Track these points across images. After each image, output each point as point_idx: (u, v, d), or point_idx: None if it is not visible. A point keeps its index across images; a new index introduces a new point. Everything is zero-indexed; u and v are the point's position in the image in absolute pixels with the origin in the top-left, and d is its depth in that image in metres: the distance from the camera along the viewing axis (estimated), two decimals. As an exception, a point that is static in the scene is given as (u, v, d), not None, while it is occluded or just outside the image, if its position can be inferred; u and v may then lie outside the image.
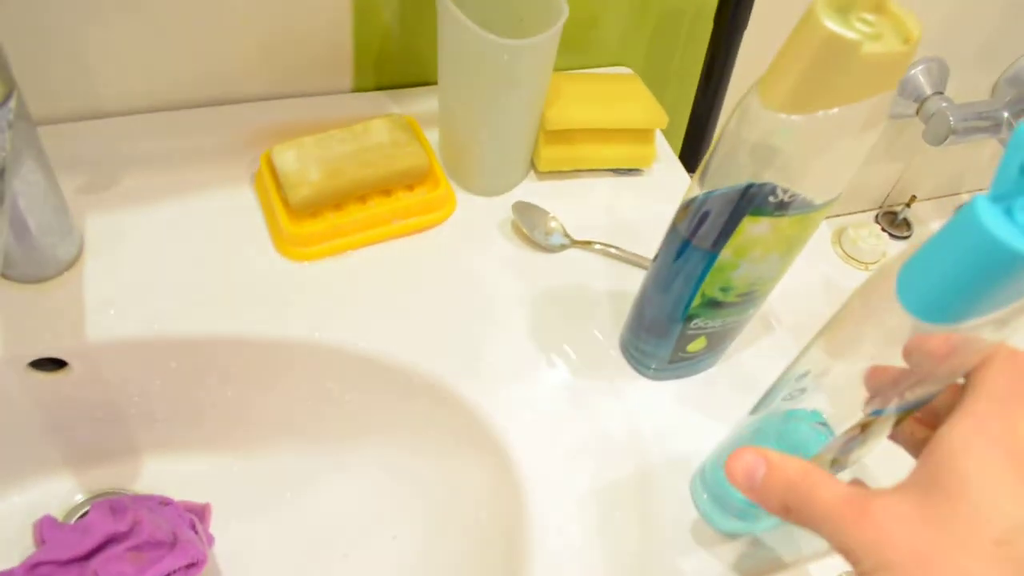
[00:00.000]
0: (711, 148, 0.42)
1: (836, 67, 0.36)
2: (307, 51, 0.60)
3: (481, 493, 0.52)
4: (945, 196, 1.08)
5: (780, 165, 0.40)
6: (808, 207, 0.41)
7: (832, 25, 0.35)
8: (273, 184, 0.56)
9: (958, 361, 0.34)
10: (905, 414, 0.38)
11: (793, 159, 0.39)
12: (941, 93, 0.85)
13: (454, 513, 0.54)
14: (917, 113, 0.87)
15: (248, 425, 0.58)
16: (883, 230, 1.02)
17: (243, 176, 0.59)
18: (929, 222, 1.06)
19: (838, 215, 1.03)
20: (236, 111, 0.61)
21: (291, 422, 0.58)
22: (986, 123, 0.84)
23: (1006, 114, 0.85)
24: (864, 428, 0.38)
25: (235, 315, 0.52)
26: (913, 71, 0.84)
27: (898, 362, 0.35)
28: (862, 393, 0.37)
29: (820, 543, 0.48)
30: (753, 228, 0.41)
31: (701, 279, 0.45)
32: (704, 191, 0.42)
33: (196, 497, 0.56)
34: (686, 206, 0.44)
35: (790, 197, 0.40)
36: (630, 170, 0.64)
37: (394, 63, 0.63)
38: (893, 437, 0.39)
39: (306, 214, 0.56)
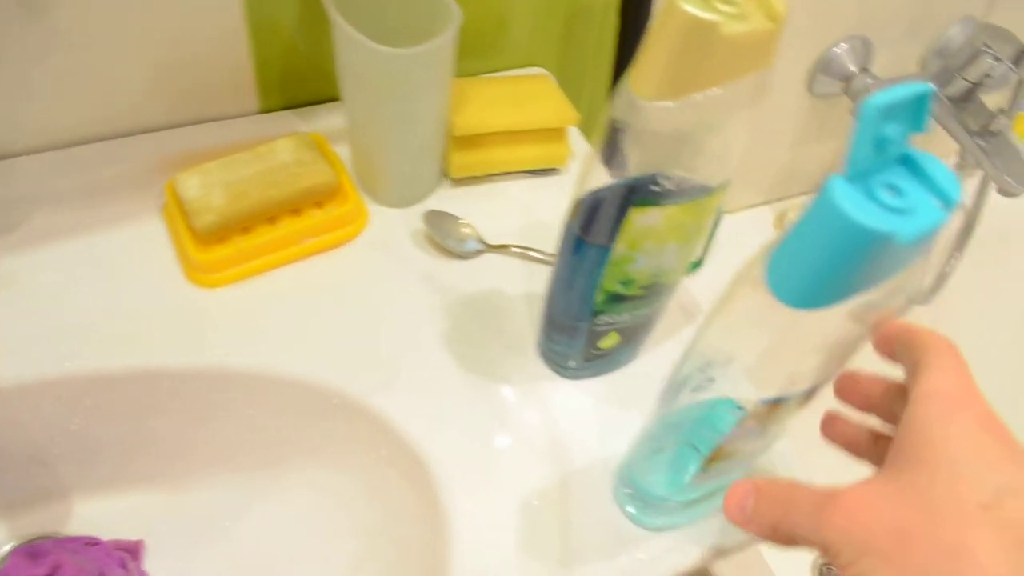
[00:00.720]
0: (600, 141, 0.41)
1: (701, 50, 0.35)
2: (207, 76, 0.59)
3: (405, 507, 0.51)
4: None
5: (661, 152, 0.39)
6: (697, 193, 0.41)
7: (692, 9, 0.34)
8: (179, 212, 0.55)
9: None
10: (802, 400, 0.37)
11: (673, 145, 0.39)
12: (867, 70, 0.85)
13: (382, 529, 0.53)
14: (844, 92, 0.86)
15: (175, 458, 0.57)
16: (825, 211, 1.02)
17: (151, 207, 0.58)
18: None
19: (780, 199, 1.02)
20: (141, 142, 0.60)
21: (217, 452, 0.57)
22: (912, 96, 0.84)
23: (931, 85, 0.85)
24: (758, 418, 0.37)
25: (148, 347, 0.52)
26: (837, 50, 0.84)
27: (773, 352, 0.34)
28: (753, 384, 0.36)
29: (743, 534, 0.48)
30: (641, 219, 0.41)
31: (599, 275, 0.44)
32: (590, 189, 0.42)
33: (130, 534, 0.55)
34: (576, 204, 0.43)
35: (675, 185, 0.40)
36: (546, 170, 0.64)
37: (299, 81, 0.62)
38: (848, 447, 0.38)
39: (213, 240, 0.55)
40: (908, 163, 0.30)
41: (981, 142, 0.83)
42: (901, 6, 0.85)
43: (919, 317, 1.11)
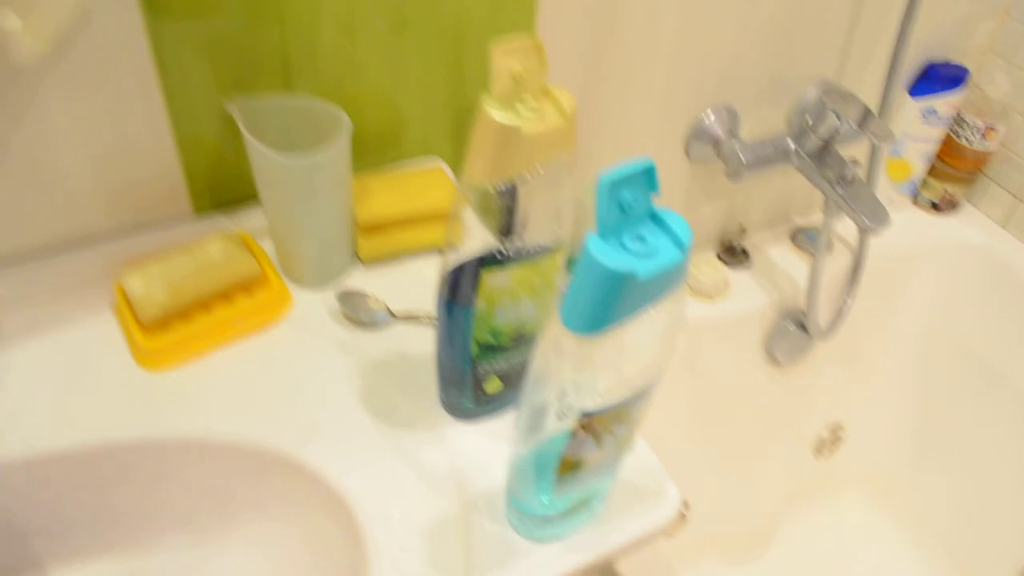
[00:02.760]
0: (448, 223, 0.51)
1: (511, 146, 0.46)
2: (145, 190, 0.69)
3: (335, 544, 0.59)
4: (777, 222, 1.20)
5: (498, 224, 0.49)
6: (534, 254, 0.51)
7: (498, 117, 0.45)
8: (126, 307, 0.65)
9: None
10: (618, 412, 0.47)
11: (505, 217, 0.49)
12: (734, 134, 0.97)
13: (320, 572, 0.61)
14: (718, 156, 0.98)
15: (138, 525, 0.64)
16: (723, 262, 1.13)
17: (103, 305, 0.67)
18: (765, 247, 1.17)
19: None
20: (91, 248, 0.69)
21: (175, 515, 0.64)
22: (776, 153, 0.96)
23: (791, 141, 0.97)
24: (586, 429, 0.46)
25: (106, 425, 0.60)
26: (705, 118, 0.96)
27: (586, 372, 0.43)
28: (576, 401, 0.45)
29: (627, 532, 0.56)
30: (492, 280, 0.51)
31: (470, 330, 0.54)
32: (452, 259, 0.52)
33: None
34: (443, 276, 0.53)
35: (513, 250, 0.50)
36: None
37: (227, 185, 0.72)
38: None
39: (157, 329, 0.64)
40: (654, 218, 0.40)
41: (840, 190, 0.95)
42: (757, 73, 0.97)
43: (824, 351, 1.21)
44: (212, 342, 0.65)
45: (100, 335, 0.65)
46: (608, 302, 0.39)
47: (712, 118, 0.96)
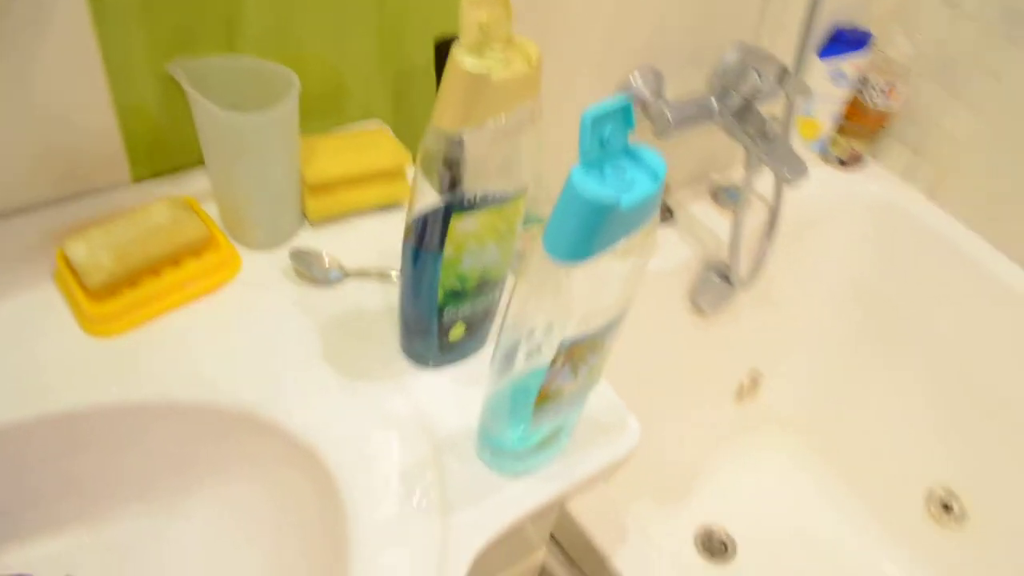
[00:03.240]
0: (415, 171, 0.52)
1: (480, 92, 0.47)
2: (82, 156, 0.67)
3: (308, 499, 0.60)
4: (698, 180, 1.24)
5: (466, 170, 0.50)
6: (501, 199, 0.53)
7: (469, 65, 0.46)
8: (71, 276, 0.63)
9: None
10: (594, 342, 0.49)
11: (472, 164, 0.50)
12: (660, 95, 1.00)
13: (290, 526, 0.61)
14: (645, 116, 1.01)
15: (98, 496, 0.63)
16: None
17: (45, 275, 0.65)
18: (687, 204, 1.22)
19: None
20: (28, 217, 0.67)
21: (135, 484, 0.63)
22: (700, 112, 1.00)
23: (714, 101, 1.01)
24: (566, 359, 0.48)
25: (58, 394, 0.58)
26: (632, 80, 0.99)
27: (567, 302, 0.45)
28: (555, 332, 0.48)
29: (593, 463, 0.59)
30: (461, 225, 0.52)
31: (437, 277, 0.55)
32: (419, 207, 0.53)
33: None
34: (409, 224, 0.54)
35: (482, 195, 0.51)
36: (391, 205, 0.75)
37: (167, 152, 0.71)
38: None
39: (105, 295, 0.62)
40: (630, 153, 0.42)
41: (762, 145, 0.99)
42: (681, 37, 1.01)
43: (745, 300, 1.27)
44: (162, 306, 0.65)
45: (42, 304, 0.63)
46: (591, 231, 0.41)
47: (639, 80, 0.99)
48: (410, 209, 0.54)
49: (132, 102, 0.66)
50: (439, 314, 0.58)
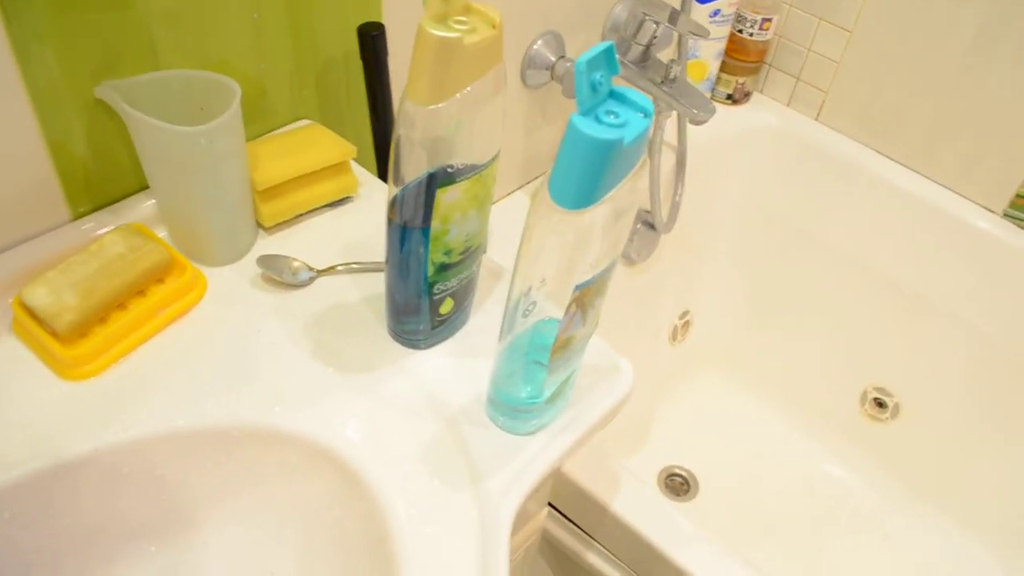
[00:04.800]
0: (392, 153, 0.53)
1: (450, 60, 0.48)
2: (17, 200, 0.64)
3: (332, 494, 0.59)
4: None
5: (444, 144, 0.51)
6: (478, 168, 0.54)
7: (437, 32, 0.47)
8: (34, 323, 0.60)
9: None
10: (601, 283, 0.51)
11: (450, 136, 0.51)
12: (563, 56, 1.03)
13: (318, 529, 0.61)
14: (553, 78, 1.04)
15: (108, 540, 0.61)
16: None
17: (2, 329, 0.62)
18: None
19: (528, 181, 1.19)
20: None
21: (142, 523, 0.61)
22: (604, 68, 1.03)
23: (612, 41, 1.04)
24: (578, 304, 0.50)
25: (45, 447, 0.56)
26: (535, 47, 1.01)
27: (573, 249, 0.47)
28: (565, 281, 0.49)
29: (599, 408, 0.61)
30: (446, 197, 0.53)
31: (426, 252, 0.56)
32: (401, 187, 0.53)
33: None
34: (392, 204, 0.55)
35: (461, 165, 0.52)
36: (342, 200, 0.74)
37: (104, 182, 0.68)
38: None
39: (76, 336, 0.60)
40: (616, 96, 0.44)
41: (666, 89, 1.03)
42: (572, 2, 1.04)
43: (668, 243, 1.32)
44: (137, 338, 0.63)
45: (6, 359, 0.61)
46: (597, 173, 0.43)
47: (541, 44, 1.01)
48: (390, 190, 0.54)
49: (62, 136, 0.64)
50: (429, 290, 0.59)
